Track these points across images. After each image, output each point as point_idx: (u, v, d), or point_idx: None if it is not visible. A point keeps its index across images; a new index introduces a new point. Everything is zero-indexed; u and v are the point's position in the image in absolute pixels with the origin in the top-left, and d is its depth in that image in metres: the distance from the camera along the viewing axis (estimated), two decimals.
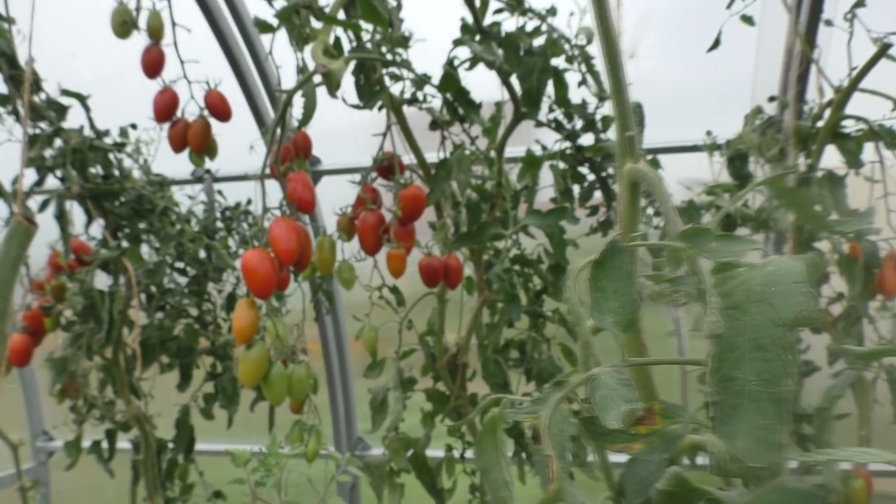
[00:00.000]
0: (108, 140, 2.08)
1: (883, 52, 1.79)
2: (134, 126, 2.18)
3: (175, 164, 2.35)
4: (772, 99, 2.10)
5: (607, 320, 0.45)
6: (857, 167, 1.88)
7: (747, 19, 1.87)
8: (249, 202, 2.59)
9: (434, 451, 2.17)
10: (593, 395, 0.42)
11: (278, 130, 1.24)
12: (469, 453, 2.25)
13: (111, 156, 2.06)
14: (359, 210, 1.57)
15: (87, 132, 2.04)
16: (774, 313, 0.40)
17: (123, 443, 2.52)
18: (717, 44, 1.95)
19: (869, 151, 1.93)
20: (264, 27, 1.41)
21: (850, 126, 1.90)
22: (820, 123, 1.91)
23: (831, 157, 1.95)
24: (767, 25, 2.08)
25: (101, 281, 2.20)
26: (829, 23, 1.83)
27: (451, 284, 1.77)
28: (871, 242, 1.75)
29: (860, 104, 1.88)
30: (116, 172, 2.07)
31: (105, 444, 2.48)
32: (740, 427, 0.38)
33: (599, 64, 1.85)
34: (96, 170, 2.06)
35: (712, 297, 0.41)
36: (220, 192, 2.70)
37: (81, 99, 1.99)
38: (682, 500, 0.46)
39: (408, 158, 1.76)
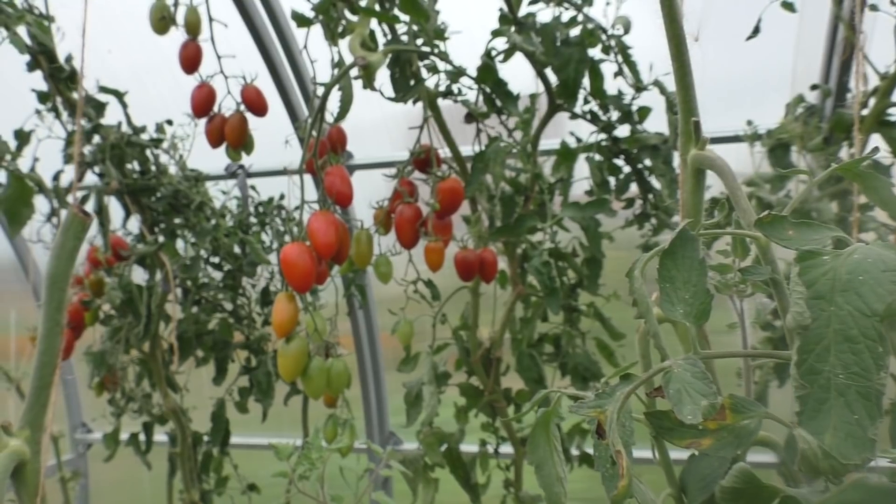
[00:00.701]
0: (144, 136, 2.10)
1: None
2: (170, 122, 2.20)
3: (209, 160, 2.37)
4: (814, 87, 2.05)
5: (678, 312, 0.44)
6: None
7: (788, 6, 1.83)
8: (283, 197, 2.60)
9: (468, 446, 2.16)
10: (667, 388, 0.40)
11: (317, 124, 1.24)
12: (503, 448, 2.24)
13: (148, 152, 2.08)
14: (396, 203, 1.56)
15: (125, 128, 2.06)
16: (863, 303, 0.38)
17: (160, 436, 2.56)
18: (756, 31, 1.91)
19: None
20: (302, 20, 1.41)
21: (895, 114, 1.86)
22: (864, 112, 1.86)
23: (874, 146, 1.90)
24: (808, 11, 2.03)
25: (138, 276, 2.23)
26: (874, 7, 1.77)
27: (487, 278, 1.75)
28: None
29: None
30: (153, 168, 2.09)
31: (142, 437, 2.51)
32: (828, 422, 0.37)
33: (656, 50, 1.82)
34: (133, 166, 2.09)
35: (796, 286, 0.40)
36: (253, 188, 2.72)
37: (119, 95, 2.01)
38: (749, 498, 0.45)
39: (442, 152, 1.75)
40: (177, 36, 1.76)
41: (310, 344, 1.35)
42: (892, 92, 1.82)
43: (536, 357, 2.00)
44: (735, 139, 2.03)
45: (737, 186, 0.46)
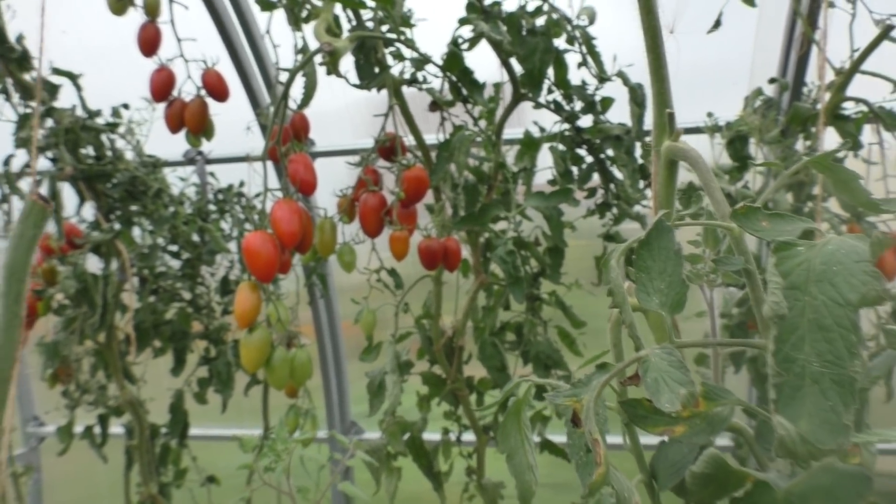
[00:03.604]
0: (100, 120, 2.04)
1: (885, 33, 1.79)
2: (126, 106, 2.14)
3: (166, 145, 2.32)
4: (772, 81, 2.09)
5: (654, 301, 0.44)
6: (856, 149, 1.88)
7: (749, 1, 1.86)
8: (242, 184, 2.56)
9: (431, 435, 2.17)
10: (645, 377, 0.41)
11: (280, 110, 1.21)
12: (465, 436, 2.26)
13: (104, 136, 2.02)
14: (360, 192, 1.55)
15: (79, 112, 1.99)
16: (837, 293, 0.39)
17: (116, 428, 2.50)
18: (717, 24, 1.94)
19: (868, 133, 1.93)
20: (266, 5, 1.38)
21: (849, 108, 1.91)
22: (820, 105, 1.91)
23: (830, 139, 1.95)
24: (768, 7, 2.07)
25: (92, 264, 2.17)
26: (831, 4, 1.81)
27: (451, 267, 1.75)
28: (870, 224, 1.75)
29: (860, 86, 1.88)
30: (109, 153, 2.03)
31: (97, 430, 2.46)
32: (803, 409, 0.37)
33: (619, 41, 1.83)
34: (87, 151, 2.03)
35: (772, 277, 0.40)
36: (211, 174, 2.67)
37: (73, 78, 1.95)
38: (719, 483, 0.45)
39: (406, 140, 1.74)
40: (134, 17, 1.71)
41: (273, 334, 1.33)
42: (846, 87, 1.87)
43: (499, 345, 2.01)
44: (696, 130, 2.06)
45: (710, 178, 0.47)
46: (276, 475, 1.10)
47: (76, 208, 2.11)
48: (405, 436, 2.09)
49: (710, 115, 2.00)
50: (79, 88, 1.98)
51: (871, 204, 0.47)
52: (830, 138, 1.95)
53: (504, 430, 0.59)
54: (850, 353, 0.38)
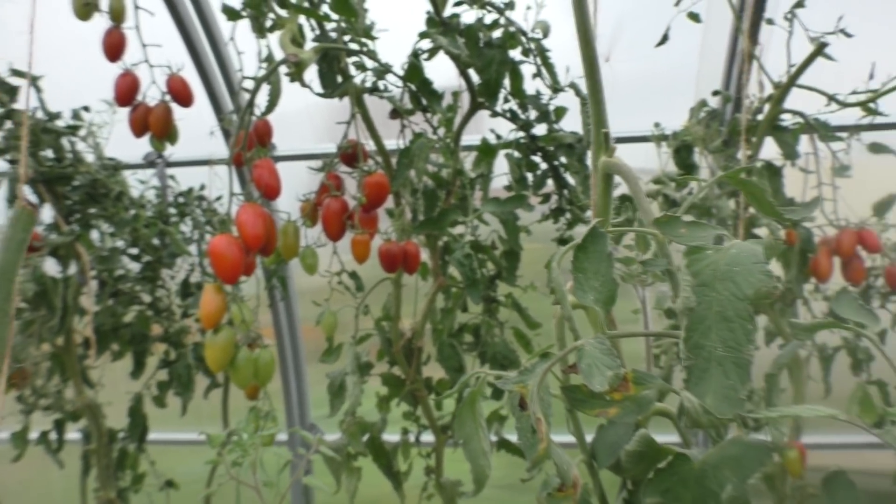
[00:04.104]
0: (59, 123, 2.04)
1: (819, 50, 1.90)
2: (87, 108, 2.14)
3: (125, 148, 2.32)
4: (715, 93, 2.20)
5: (589, 298, 0.50)
6: (793, 158, 1.99)
7: (694, 16, 1.96)
8: (203, 188, 2.57)
9: (390, 435, 2.22)
10: (580, 363, 0.47)
11: (246, 117, 1.25)
12: (424, 437, 2.31)
13: (64, 139, 2.02)
14: (322, 196, 1.59)
15: (39, 114, 1.99)
16: (738, 289, 0.46)
17: (72, 434, 2.49)
18: (665, 39, 2.03)
19: (804, 144, 2.04)
20: (232, 14, 1.41)
21: (787, 119, 2.02)
22: (760, 117, 2.02)
23: (770, 149, 2.06)
24: (712, 22, 2.17)
25: (49, 267, 2.16)
26: (770, 21, 1.92)
27: (410, 270, 1.81)
28: (806, 229, 1.86)
29: (797, 99, 2.00)
30: (69, 156, 2.03)
31: (53, 435, 2.44)
32: (709, 387, 0.44)
33: (572, 53, 1.91)
34: (47, 153, 2.02)
35: (685, 276, 0.47)
36: (172, 178, 2.67)
37: (33, 80, 1.94)
38: (649, 460, 0.52)
39: (367, 146, 1.78)
40: (97, 21, 1.72)
41: (237, 335, 1.37)
42: (784, 99, 1.98)
43: (457, 346, 2.07)
44: (644, 139, 2.15)
45: (639, 190, 0.53)
46: (244, 470, 1.13)
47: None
48: (365, 436, 2.13)
49: (657, 125, 2.09)
50: (38, 90, 1.98)
51: (776, 213, 0.54)
52: (770, 148, 2.06)
53: (460, 419, 0.64)
54: (747, 339, 0.44)
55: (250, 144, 1.48)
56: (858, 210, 2.12)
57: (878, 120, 1.93)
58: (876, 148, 1.98)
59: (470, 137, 2.00)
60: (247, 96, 1.36)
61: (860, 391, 0.48)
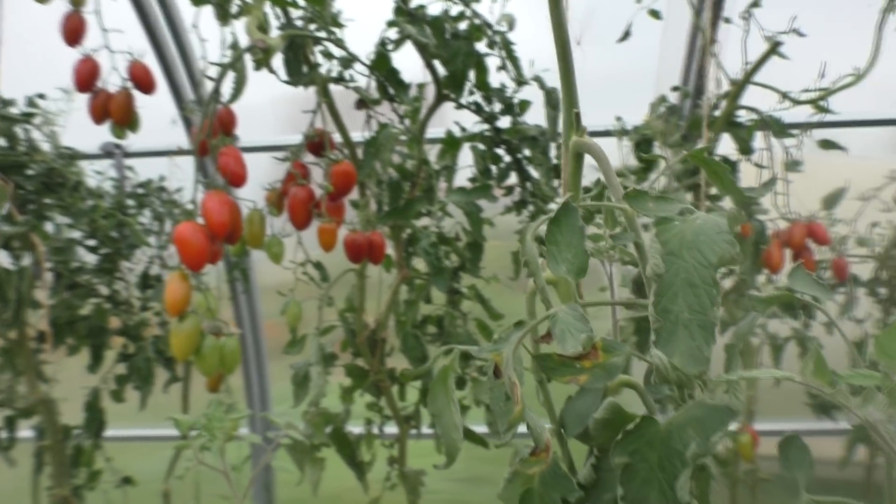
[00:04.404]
0: (13, 110, 1.99)
1: (773, 49, 1.96)
2: (42, 96, 2.09)
3: (82, 138, 2.27)
4: (675, 89, 2.25)
5: (562, 269, 0.52)
6: (748, 153, 2.05)
7: (655, 14, 2.00)
8: (163, 178, 2.53)
9: (354, 427, 2.22)
10: (554, 328, 0.49)
11: (211, 105, 1.25)
12: (387, 428, 2.32)
13: (18, 126, 1.97)
14: (289, 185, 1.59)
15: None
16: (703, 257, 0.48)
17: (24, 432, 2.43)
18: (626, 35, 2.08)
19: (759, 140, 2.11)
20: (198, 0, 1.40)
21: (743, 116, 2.08)
22: (717, 112, 2.07)
23: (726, 145, 2.12)
24: (672, 20, 2.22)
25: (1, 259, 2.11)
26: (727, 20, 1.98)
27: (375, 260, 1.81)
28: (759, 222, 1.92)
29: (753, 97, 2.06)
30: (24, 144, 1.98)
31: (4, 434, 2.38)
32: (677, 347, 0.47)
33: (537, 47, 1.94)
34: (1, 141, 1.97)
35: (654, 244, 0.49)
36: (129, 168, 2.63)
37: None
38: (617, 426, 0.54)
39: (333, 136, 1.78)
40: (56, 5, 1.68)
41: (202, 322, 1.36)
42: (740, 96, 2.04)
43: (420, 337, 2.08)
44: (606, 133, 2.19)
45: (609, 167, 0.55)
46: (212, 457, 1.13)
47: None
48: (328, 428, 2.13)
49: (618, 119, 2.13)
50: None
51: (737, 190, 0.57)
52: (727, 144, 2.12)
53: (433, 393, 0.66)
54: (711, 303, 0.47)
55: (214, 132, 1.47)
56: (809, 204, 2.19)
57: (829, 118, 2.00)
58: (826, 144, 2.06)
59: (435, 130, 2.02)
60: (211, 84, 1.35)
61: (815, 353, 0.51)
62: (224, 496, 1.37)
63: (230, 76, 1.34)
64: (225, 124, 1.60)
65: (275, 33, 1.50)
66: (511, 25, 1.93)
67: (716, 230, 0.49)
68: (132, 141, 2.67)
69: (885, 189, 2.52)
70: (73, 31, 1.60)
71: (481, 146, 2.04)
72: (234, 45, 1.46)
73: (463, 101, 1.95)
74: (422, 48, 1.65)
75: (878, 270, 2.45)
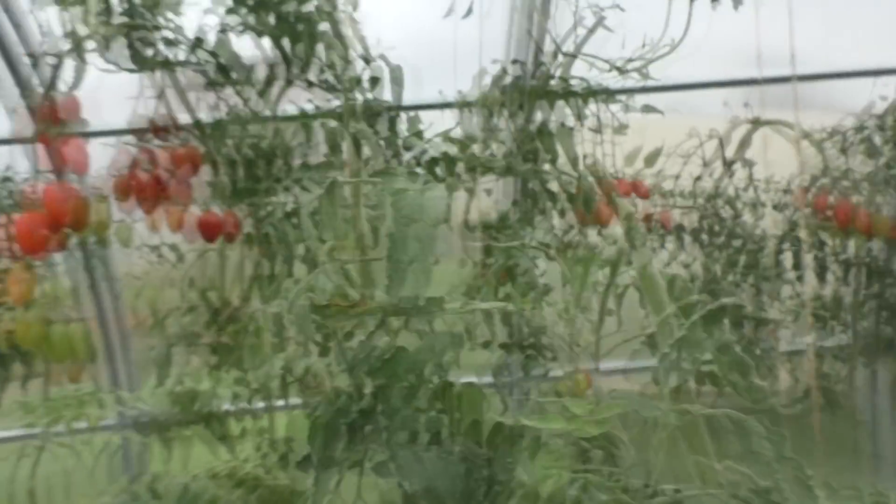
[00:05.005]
0: None
1: (599, 23, 2.15)
2: None
3: None
4: (514, 62, 2.41)
5: (328, 234, 0.63)
6: (581, 119, 2.25)
7: None
8: (8, 169, 2.44)
9: (221, 402, 2.25)
10: (316, 281, 0.60)
11: (49, 94, 1.26)
12: (255, 402, 2.36)
13: None
14: (135, 171, 1.61)
15: None
16: (427, 217, 0.61)
17: None
18: (469, 11, 2.21)
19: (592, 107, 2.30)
20: None
21: (576, 85, 2.26)
22: (553, 83, 2.25)
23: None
24: None
25: None
26: None
27: (230, 239, 1.86)
28: (588, 182, 2.12)
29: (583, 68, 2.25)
30: None
31: None
32: (403, 287, 0.59)
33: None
34: None
35: (390, 210, 0.61)
36: None
37: None
38: (394, 364, 0.66)
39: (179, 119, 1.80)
40: None
41: (50, 311, 1.38)
42: (570, 68, 2.22)
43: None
44: (448, 105, 2.32)
45: (377, 149, 0.67)
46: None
47: None
48: (196, 405, 2.16)
49: (459, 92, 2.27)
50: None
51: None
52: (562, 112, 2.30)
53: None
54: (429, 253, 0.60)
55: (56, 121, 1.48)
56: (636, 164, 2.42)
57: (649, 83, 2.22)
58: (647, 109, 2.28)
59: (289, 107, 2.06)
60: (49, 72, 1.36)
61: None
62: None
63: (71, 64, 1.35)
64: (69, 112, 1.60)
65: (118, 21, 1.50)
66: (355, 6, 2.00)
67: (438, 197, 0.61)
68: None
69: (706, 145, 2.80)
70: None
71: (333, 123, 2.11)
72: (73, 33, 1.46)
73: (314, 79, 2.01)
74: (260, 34, 1.70)
75: (700, 220, 2.74)
